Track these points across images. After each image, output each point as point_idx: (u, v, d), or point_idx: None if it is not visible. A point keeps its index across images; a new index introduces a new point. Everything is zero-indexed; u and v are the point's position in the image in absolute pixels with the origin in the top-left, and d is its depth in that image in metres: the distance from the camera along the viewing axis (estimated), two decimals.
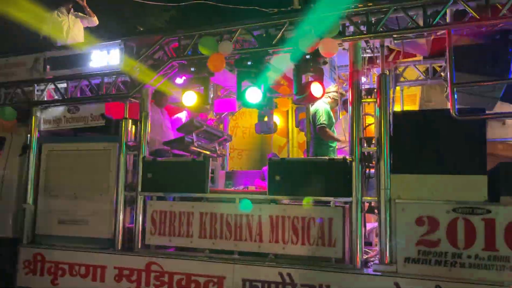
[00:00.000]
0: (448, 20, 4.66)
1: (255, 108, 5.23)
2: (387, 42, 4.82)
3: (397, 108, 6.85)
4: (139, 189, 5.36)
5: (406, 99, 7.58)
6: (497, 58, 4.38)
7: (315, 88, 4.69)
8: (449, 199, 4.21)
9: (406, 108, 7.32)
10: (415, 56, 6.87)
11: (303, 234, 4.64)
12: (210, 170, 5.16)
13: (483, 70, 4.50)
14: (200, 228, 5.04)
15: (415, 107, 8.08)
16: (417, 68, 6.57)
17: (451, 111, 4.27)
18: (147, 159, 5.40)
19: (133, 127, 5.53)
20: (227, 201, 5.03)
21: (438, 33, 4.76)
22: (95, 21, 7.66)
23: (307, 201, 4.62)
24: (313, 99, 4.77)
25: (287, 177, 4.81)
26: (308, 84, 4.72)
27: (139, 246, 5.29)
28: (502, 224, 4.03)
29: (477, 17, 4.23)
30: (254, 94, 4.86)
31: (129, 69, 5.50)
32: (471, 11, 4.27)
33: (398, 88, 6.73)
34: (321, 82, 4.73)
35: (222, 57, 4.91)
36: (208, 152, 5.76)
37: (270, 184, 4.85)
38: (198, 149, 5.58)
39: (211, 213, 5.01)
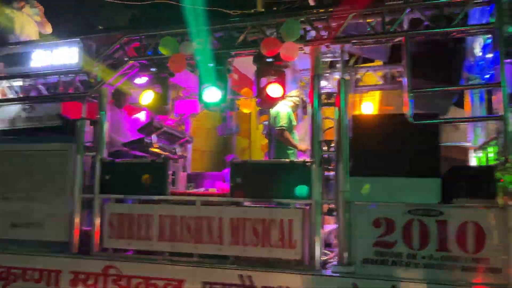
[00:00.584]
0: (405, 27, 4.81)
1: (216, 108, 5.21)
2: (347, 47, 4.91)
3: (358, 112, 7.02)
4: (97, 191, 5.23)
5: (367, 103, 7.76)
6: (450, 65, 4.55)
7: (272, 89, 4.70)
8: (405, 201, 4.33)
9: (367, 112, 7.48)
10: (374, 61, 7.07)
11: (264, 236, 4.66)
12: (170, 172, 5.10)
13: (437, 77, 4.68)
14: (160, 231, 4.97)
15: (375, 111, 8.27)
16: (376, 73, 6.73)
17: (407, 115, 4.39)
18: (105, 161, 5.28)
19: (91, 127, 5.39)
20: (187, 203, 4.99)
21: (396, 40, 4.89)
22: (47, 30, 7.33)
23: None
24: (271, 101, 4.78)
25: (248, 179, 4.82)
26: (265, 85, 4.74)
27: (97, 250, 5.16)
28: (454, 226, 4.18)
29: (432, 25, 4.38)
30: (213, 95, 4.83)
31: (88, 68, 5.36)
32: (426, 20, 4.42)
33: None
34: (281, 83, 4.76)
35: (184, 58, 4.88)
36: (168, 154, 5.69)
37: (231, 186, 4.84)
38: (158, 151, 5.50)
39: (171, 215, 4.95)
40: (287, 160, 5.41)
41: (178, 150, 6.09)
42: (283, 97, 4.85)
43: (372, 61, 7.19)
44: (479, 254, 4.08)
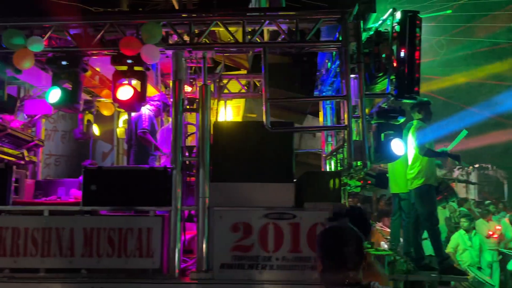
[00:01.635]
0: (265, 39, 5.01)
1: (66, 109, 4.82)
2: (209, 54, 4.94)
3: (222, 118, 7.12)
4: None
5: (231, 110, 7.93)
6: (304, 77, 4.85)
7: (122, 92, 4.50)
8: (262, 205, 4.49)
9: (231, 119, 7.64)
10: (240, 69, 7.26)
11: (120, 246, 4.44)
12: (13, 180, 4.58)
13: (293, 88, 4.95)
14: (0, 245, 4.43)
15: (239, 118, 8.49)
16: (239, 81, 6.91)
17: (264, 123, 4.56)
18: None
19: None
20: (33, 214, 4.52)
21: (257, 50, 5.06)
22: None
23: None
24: (122, 103, 4.58)
25: (104, 186, 4.56)
26: (116, 87, 4.53)
27: None
28: (305, 228, 4.44)
29: (288, 39, 4.63)
30: (57, 95, 4.47)
31: None
32: (283, 33, 4.65)
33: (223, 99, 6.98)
34: (141, 86, 4.58)
35: (31, 54, 4.43)
36: (12, 159, 5.12)
37: (85, 194, 4.53)
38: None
39: (13, 227, 4.45)
40: (146, 166, 5.24)
41: (26, 155, 5.50)
42: (143, 100, 4.68)
43: (237, 69, 7.38)
44: None
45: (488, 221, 9.27)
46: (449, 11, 13.80)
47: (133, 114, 5.70)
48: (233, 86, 7.14)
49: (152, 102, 5.77)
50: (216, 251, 4.41)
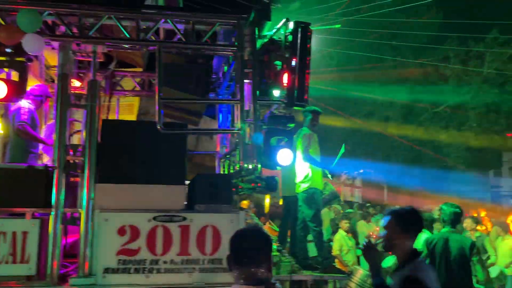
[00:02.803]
0: (161, 37, 4.91)
1: None
2: (100, 48, 4.71)
3: (114, 116, 6.82)
4: None
5: (124, 109, 7.64)
6: (199, 79, 4.84)
7: None
8: (152, 208, 4.38)
9: (124, 117, 7.36)
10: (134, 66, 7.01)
11: None
12: None
13: (188, 89, 4.92)
14: None
15: (133, 117, 8.21)
16: (134, 79, 6.69)
17: (157, 124, 4.46)
18: None
19: None
20: None
21: (151, 48, 4.94)
22: None
23: None
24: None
25: None
26: None
27: None
28: (196, 230, 4.42)
29: (184, 40, 4.60)
30: None
31: None
32: (179, 33, 4.60)
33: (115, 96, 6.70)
34: (21, 78, 4.23)
35: None
36: None
37: None
38: None
39: None
40: (24, 164, 4.82)
41: None
42: (23, 93, 4.31)
43: (132, 66, 7.12)
44: (215, 255, 4.41)
45: (368, 222, 10.05)
46: (338, 26, 14.83)
47: (12, 107, 5.22)
48: (128, 83, 6.89)
49: (32, 95, 5.32)
50: (100, 255, 4.20)
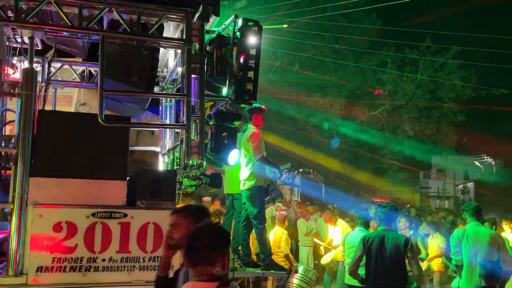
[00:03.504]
0: (104, 27, 4.72)
1: None
2: (38, 35, 4.45)
3: (50, 107, 6.48)
4: None
5: (61, 100, 7.29)
6: (143, 72, 4.70)
7: None
8: (91, 203, 4.21)
9: (60, 109, 7.01)
10: (74, 56, 6.71)
11: None
12: None
13: (131, 81, 4.75)
14: None
15: (70, 108, 7.84)
16: (73, 69, 6.39)
17: (98, 117, 4.28)
18: None
19: None
20: None
21: (95, 38, 4.74)
22: None
23: None
24: None
25: None
26: None
27: None
28: (136, 227, 4.30)
29: (129, 30, 4.44)
30: None
31: None
32: (124, 23, 4.44)
33: (52, 87, 6.36)
34: None
35: None
36: None
37: None
38: None
39: None
40: None
41: None
42: None
43: (72, 56, 6.80)
44: (157, 252, 4.31)
45: (307, 220, 10.22)
46: (284, 25, 15.11)
47: None
48: (67, 73, 6.56)
49: None
50: (33, 253, 3.98)
